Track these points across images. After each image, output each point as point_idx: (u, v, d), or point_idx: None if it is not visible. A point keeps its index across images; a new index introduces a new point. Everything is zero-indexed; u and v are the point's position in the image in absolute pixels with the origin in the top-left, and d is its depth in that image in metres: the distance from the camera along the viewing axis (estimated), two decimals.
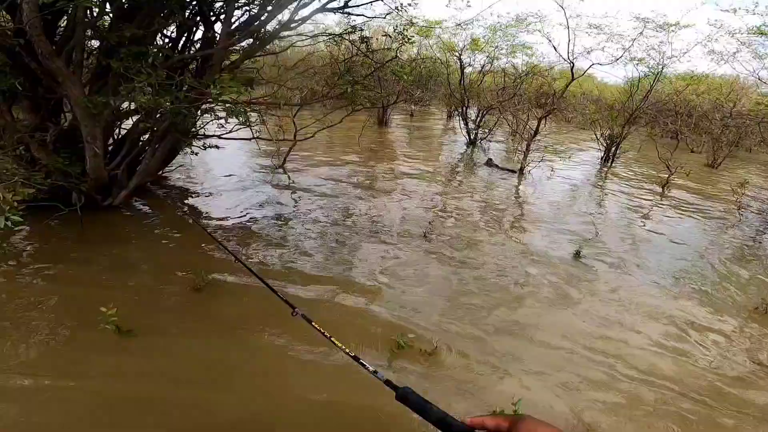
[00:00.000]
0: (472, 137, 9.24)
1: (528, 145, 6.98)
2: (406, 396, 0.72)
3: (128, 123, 3.89)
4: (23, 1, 2.34)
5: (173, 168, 4.82)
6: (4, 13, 3.07)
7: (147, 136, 3.90)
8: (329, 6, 3.72)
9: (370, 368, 0.81)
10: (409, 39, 4.11)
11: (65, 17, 3.15)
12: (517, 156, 7.31)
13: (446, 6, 5.39)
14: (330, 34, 4.26)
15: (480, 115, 9.45)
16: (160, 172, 4.56)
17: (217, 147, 4.36)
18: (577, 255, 3.86)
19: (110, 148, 3.94)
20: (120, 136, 4.06)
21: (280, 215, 4.05)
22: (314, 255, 3.33)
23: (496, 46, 10.09)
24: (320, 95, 4.99)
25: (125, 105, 3.54)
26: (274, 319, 2.38)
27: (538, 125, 7.23)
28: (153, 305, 2.51)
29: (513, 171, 6.93)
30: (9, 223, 2.12)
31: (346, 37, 4.15)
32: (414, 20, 4.81)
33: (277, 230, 3.73)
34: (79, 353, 2.06)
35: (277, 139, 5.00)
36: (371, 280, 3.04)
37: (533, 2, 13.91)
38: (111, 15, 3.10)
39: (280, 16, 3.62)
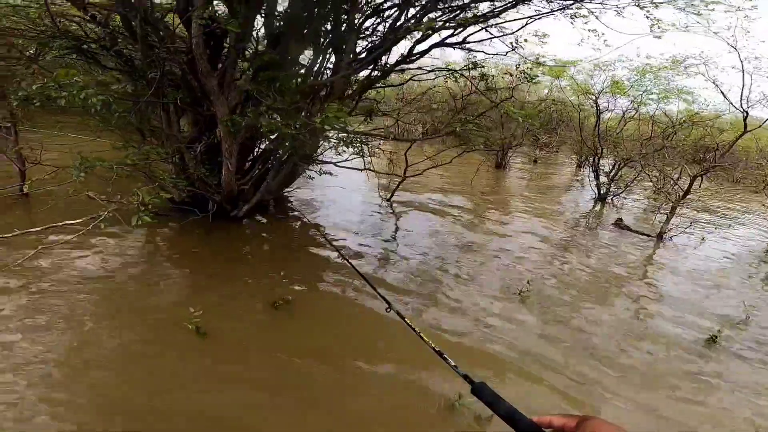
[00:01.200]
0: (602, 192, 8.21)
1: (674, 207, 5.91)
2: (480, 390, 0.76)
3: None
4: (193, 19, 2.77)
5: (293, 188, 5.29)
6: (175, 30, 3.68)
7: (273, 157, 4.34)
8: (448, 41, 3.74)
9: (452, 363, 0.88)
10: (531, 78, 3.88)
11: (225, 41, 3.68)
12: (658, 218, 6.24)
13: (578, 45, 5.01)
14: (448, 69, 4.26)
15: (616, 167, 8.37)
16: (282, 191, 5.05)
17: (330, 174, 4.64)
18: (712, 340, 3.07)
19: (248, 164, 4.52)
20: (255, 155, 4.63)
21: (382, 248, 4.05)
22: (410, 294, 3.22)
23: (645, 90, 8.94)
24: (437, 131, 5.01)
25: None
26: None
27: (691, 184, 6.09)
28: (239, 315, 2.66)
29: (648, 235, 5.90)
30: (140, 221, 2.49)
31: (465, 74, 4.11)
32: (541, 58, 4.56)
33: (375, 262, 3.72)
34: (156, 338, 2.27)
35: (388, 173, 5.12)
36: (454, 333, 2.80)
37: (694, 42, 12.06)
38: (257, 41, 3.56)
39: (401, 49, 3.79)
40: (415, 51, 3.76)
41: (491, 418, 1.99)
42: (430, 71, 4.36)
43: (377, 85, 4.35)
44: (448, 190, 6.73)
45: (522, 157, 12.19)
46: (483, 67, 4.20)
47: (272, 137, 3.78)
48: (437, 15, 3.73)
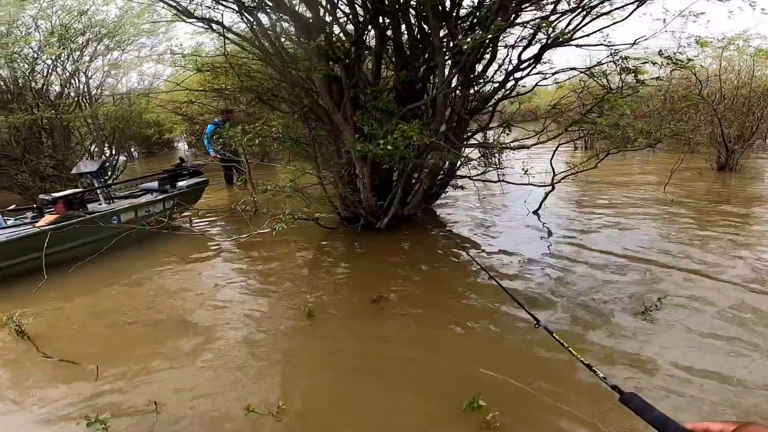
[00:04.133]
0: None
1: None
2: (629, 399, 0.77)
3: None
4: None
5: (443, 203, 5.71)
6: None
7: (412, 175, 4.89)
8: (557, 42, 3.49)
9: (601, 374, 0.91)
10: (678, 63, 3.13)
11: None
12: None
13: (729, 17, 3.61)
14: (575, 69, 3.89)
15: None
16: (428, 206, 5.53)
17: (462, 188, 4.85)
18: None
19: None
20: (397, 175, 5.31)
21: (530, 264, 3.75)
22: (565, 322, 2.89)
23: None
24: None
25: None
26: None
27: None
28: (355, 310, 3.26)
29: None
30: (283, 226, 3.44)
31: (596, 71, 3.68)
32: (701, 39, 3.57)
33: (523, 278, 3.56)
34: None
35: (524, 183, 4.92)
36: None
37: None
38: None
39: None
40: (524, 57, 3.69)
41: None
42: (553, 74, 4.09)
43: (497, 97, 4.37)
44: (628, 198, 5.76)
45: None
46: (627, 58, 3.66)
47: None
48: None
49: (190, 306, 3.29)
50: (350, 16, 4.35)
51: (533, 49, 3.99)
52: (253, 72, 4.69)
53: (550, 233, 4.58)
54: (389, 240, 4.62)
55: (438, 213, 5.58)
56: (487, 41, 3.66)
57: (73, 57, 8.42)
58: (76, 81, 8.80)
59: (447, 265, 3.91)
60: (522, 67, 4.15)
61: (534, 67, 4.09)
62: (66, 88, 8.56)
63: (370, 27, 3.91)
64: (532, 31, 3.83)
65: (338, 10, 4.25)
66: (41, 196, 4.75)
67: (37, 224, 4.31)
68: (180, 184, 5.54)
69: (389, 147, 3.11)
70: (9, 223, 4.58)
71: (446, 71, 3.91)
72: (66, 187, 6.40)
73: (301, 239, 4.85)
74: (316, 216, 4.57)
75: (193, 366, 2.48)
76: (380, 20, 4.02)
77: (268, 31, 4.02)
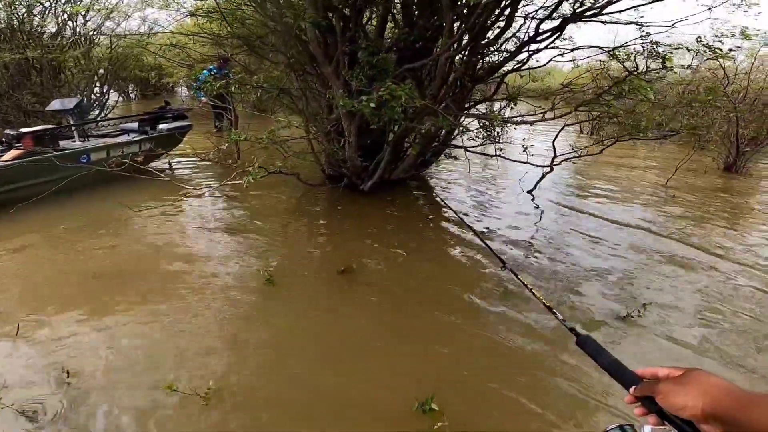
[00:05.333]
0: None
1: None
2: (584, 342, 0.78)
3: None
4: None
5: (433, 171, 5.40)
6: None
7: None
8: (586, 13, 3.06)
9: (560, 316, 0.92)
10: (717, 52, 2.76)
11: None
12: None
13: None
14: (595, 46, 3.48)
15: None
16: (418, 172, 5.22)
17: (455, 158, 4.53)
18: None
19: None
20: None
21: (515, 245, 3.55)
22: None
23: None
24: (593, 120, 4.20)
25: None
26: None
27: None
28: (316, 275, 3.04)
29: None
30: (250, 179, 3.14)
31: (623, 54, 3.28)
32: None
33: (505, 254, 3.38)
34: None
35: (522, 161, 4.61)
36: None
37: None
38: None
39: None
40: (541, 29, 3.26)
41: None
42: (572, 50, 3.68)
43: (505, 68, 3.96)
44: (626, 191, 5.49)
45: None
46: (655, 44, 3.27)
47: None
48: None
49: (140, 258, 3.04)
50: None
51: (553, 22, 3.55)
52: (246, 17, 4.20)
53: (541, 214, 4.36)
54: (372, 204, 4.36)
55: (427, 180, 5.28)
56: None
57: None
58: (73, 23, 8.56)
59: (429, 236, 3.69)
60: (539, 39, 3.72)
61: (552, 41, 3.67)
62: (62, 30, 8.39)
63: None
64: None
65: None
66: (7, 131, 4.45)
67: (1, 158, 4.05)
68: (160, 126, 5.20)
69: (372, 104, 2.76)
70: None
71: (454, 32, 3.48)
72: (47, 123, 6.05)
73: (281, 194, 4.57)
74: (296, 172, 4.26)
75: (123, 329, 2.26)
76: None
77: None
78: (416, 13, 3.77)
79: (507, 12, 3.38)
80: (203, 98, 7.60)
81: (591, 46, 3.80)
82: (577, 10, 3.16)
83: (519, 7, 3.49)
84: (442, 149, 4.86)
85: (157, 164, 5.54)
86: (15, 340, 2.12)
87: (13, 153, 4.11)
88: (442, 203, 4.03)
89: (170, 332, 2.23)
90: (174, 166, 5.57)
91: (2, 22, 7.83)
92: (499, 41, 3.80)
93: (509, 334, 2.36)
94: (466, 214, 4.16)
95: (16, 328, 2.17)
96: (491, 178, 5.46)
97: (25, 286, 2.68)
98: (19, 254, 3.10)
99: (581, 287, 2.91)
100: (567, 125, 4.42)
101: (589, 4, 2.99)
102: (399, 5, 4.02)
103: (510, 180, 5.36)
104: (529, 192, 4.94)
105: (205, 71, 7.33)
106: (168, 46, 7.02)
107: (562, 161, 4.61)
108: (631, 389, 0.65)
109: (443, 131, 4.58)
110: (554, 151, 4.73)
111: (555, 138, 4.67)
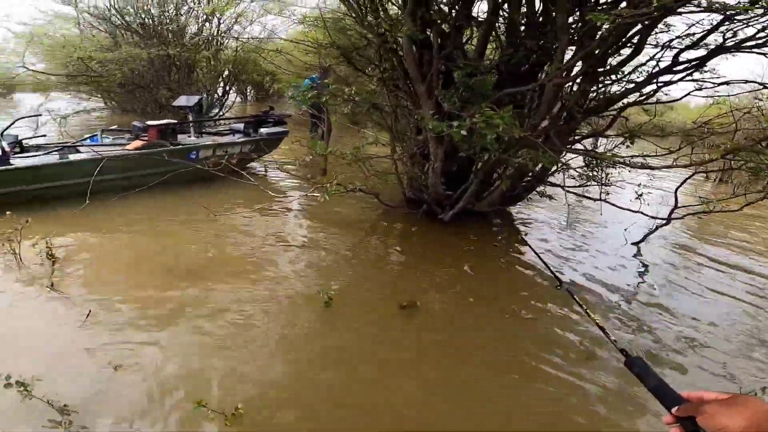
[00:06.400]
0: None
1: None
2: (633, 363, 0.78)
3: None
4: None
5: (523, 208, 4.92)
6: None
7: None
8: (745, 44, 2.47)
9: (612, 337, 0.92)
10: None
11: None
12: None
13: None
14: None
15: None
16: (504, 207, 4.77)
17: (549, 197, 4.03)
18: None
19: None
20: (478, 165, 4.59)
21: (609, 305, 3.01)
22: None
23: None
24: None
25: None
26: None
27: None
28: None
29: None
30: (327, 197, 3.06)
31: None
32: None
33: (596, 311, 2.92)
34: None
35: (631, 210, 3.96)
36: None
37: None
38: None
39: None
40: (681, 59, 2.72)
41: None
42: (720, 84, 3.02)
43: (627, 101, 3.42)
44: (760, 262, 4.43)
45: None
46: None
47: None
48: None
49: (211, 260, 3.10)
50: None
51: (695, 51, 2.99)
52: (348, 28, 4.26)
53: (646, 270, 3.69)
54: (450, 235, 4.05)
55: (515, 217, 4.81)
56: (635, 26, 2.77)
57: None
58: (210, 24, 9.68)
59: (508, 284, 3.26)
60: (674, 70, 3.17)
61: (690, 73, 3.10)
62: (201, 30, 9.55)
63: None
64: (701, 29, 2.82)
65: None
66: (134, 123, 4.99)
67: (126, 147, 4.53)
68: (261, 130, 5.50)
69: (463, 131, 2.49)
70: (106, 141, 4.90)
71: (566, 57, 3.10)
72: (176, 117, 6.82)
73: (361, 212, 4.47)
74: (377, 191, 4.13)
75: (178, 331, 2.26)
76: None
77: None
78: (523, 33, 3.44)
79: (636, 39, 2.91)
80: (303, 107, 8.00)
81: (748, 81, 3.11)
82: (729, 42, 2.58)
83: (651, 34, 2.98)
84: (535, 185, 4.38)
85: (255, 165, 5.87)
86: (81, 326, 2.22)
87: (136, 143, 4.58)
88: (526, 244, 3.58)
89: (219, 345, 2.17)
90: (268, 171, 5.84)
91: (154, 19, 9.05)
92: (623, 70, 3.30)
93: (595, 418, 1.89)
94: (560, 273, 3.59)
95: (86, 315, 2.28)
96: (588, 223, 4.80)
97: (104, 271, 2.88)
98: (106, 239, 3.38)
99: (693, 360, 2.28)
100: (698, 172, 3.70)
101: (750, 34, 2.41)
102: (504, 24, 3.73)
103: (611, 228, 4.66)
104: (635, 244, 4.21)
105: (307, 80, 7.67)
106: (274, 53, 7.49)
107: (686, 215, 3.87)
108: (673, 409, 0.64)
109: (541, 166, 4.13)
110: (675, 201, 3.99)
111: (679, 187, 3.94)
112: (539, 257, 1.32)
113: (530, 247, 1.23)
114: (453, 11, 3.30)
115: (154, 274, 2.83)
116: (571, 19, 2.94)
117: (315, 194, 3.72)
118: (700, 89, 3.41)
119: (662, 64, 3.11)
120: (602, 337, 0.96)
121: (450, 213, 4.20)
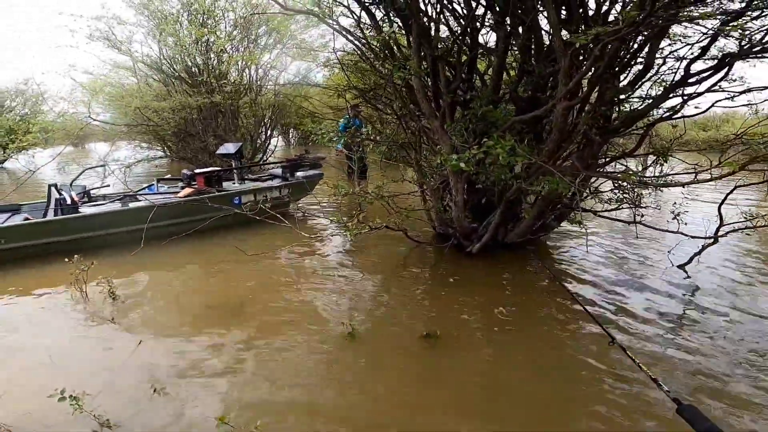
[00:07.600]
0: None
1: None
2: (684, 410, 0.84)
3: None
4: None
5: (562, 235, 4.80)
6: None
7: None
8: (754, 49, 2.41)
9: (665, 388, 0.99)
10: None
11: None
12: None
13: None
14: None
15: None
16: (535, 236, 4.65)
17: (580, 223, 3.92)
18: None
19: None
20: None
21: (653, 336, 2.86)
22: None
23: None
24: None
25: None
26: None
27: None
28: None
29: None
30: (350, 235, 3.23)
31: None
32: None
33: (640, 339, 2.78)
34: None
35: (667, 230, 3.76)
36: None
37: None
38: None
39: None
40: (693, 70, 2.69)
41: None
42: (741, 92, 2.91)
43: (651, 118, 3.36)
44: None
45: None
46: None
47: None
48: None
49: (247, 298, 3.35)
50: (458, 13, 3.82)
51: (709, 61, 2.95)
52: (366, 69, 4.58)
53: (694, 293, 3.46)
54: (478, 269, 4.02)
55: (551, 248, 4.68)
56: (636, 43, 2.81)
57: (249, 48, 9.87)
58: (249, 71, 10.33)
59: (538, 322, 3.12)
60: (691, 81, 3.13)
61: (716, 83, 3.04)
62: (241, 77, 10.12)
63: (485, 26, 3.38)
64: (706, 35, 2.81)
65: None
66: (183, 171, 5.51)
67: (178, 194, 5.02)
68: (297, 174, 5.82)
69: (462, 163, 2.59)
70: (162, 189, 5.46)
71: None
72: (222, 164, 7.38)
73: (394, 248, 4.57)
74: (404, 228, 4.24)
75: (215, 361, 2.46)
76: (506, 20, 3.45)
77: (379, 24, 3.77)
78: (533, 59, 3.54)
79: (643, 53, 2.92)
80: (340, 147, 8.25)
81: (766, 87, 2.98)
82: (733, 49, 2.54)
83: (660, 47, 2.98)
84: (566, 213, 4.30)
85: (293, 207, 6.18)
86: (132, 354, 2.49)
87: (187, 191, 5.06)
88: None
89: (251, 374, 2.34)
90: (305, 213, 6.13)
91: (200, 68, 9.53)
92: (637, 86, 3.28)
93: None
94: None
95: (137, 343, 2.56)
96: (629, 247, 4.58)
97: (156, 306, 3.21)
98: (158, 279, 3.77)
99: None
100: (738, 186, 3.49)
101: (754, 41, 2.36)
102: (516, 53, 3.84)
103: (654, 251, 4.41)
104: (682, 267, 3.94)
105: (341, 121, 8.00)
106: (300, 98, 7.91)
107: (730, 232, 3.62)
108: None
109: (570, 192, 4.05)
110: (720, 218, 3.75)
111: (722, 203, 3.71)
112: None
113: (574, 297, 1.23)
114: (455, 45, 3.47)
115: (198, 310, 3.12)
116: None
117: (344, 233, 3.92)
118: (730, 99, 3.31)
119: (676, 77, 3.08)
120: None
121: (477, 245, 4.18)
